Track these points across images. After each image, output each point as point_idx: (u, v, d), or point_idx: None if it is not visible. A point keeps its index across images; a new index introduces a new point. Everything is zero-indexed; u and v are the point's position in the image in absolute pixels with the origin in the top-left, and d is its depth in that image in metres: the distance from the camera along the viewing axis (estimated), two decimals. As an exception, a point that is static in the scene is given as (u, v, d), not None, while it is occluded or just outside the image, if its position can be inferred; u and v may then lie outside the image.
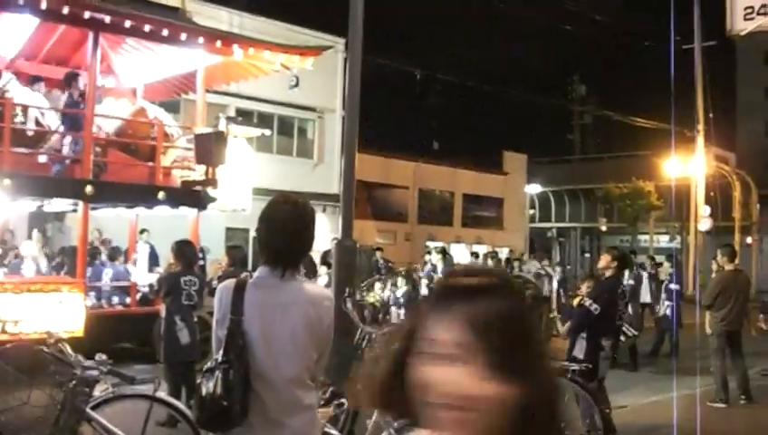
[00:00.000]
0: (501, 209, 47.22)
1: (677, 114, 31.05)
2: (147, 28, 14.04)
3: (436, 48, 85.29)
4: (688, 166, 36.08)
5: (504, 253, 30.62)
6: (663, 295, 17.31)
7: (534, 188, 49.85)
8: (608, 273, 9.24)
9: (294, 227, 3.54)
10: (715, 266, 13.18)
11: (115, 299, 15.27)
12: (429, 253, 22.04)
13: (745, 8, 10.85)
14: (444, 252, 19.64)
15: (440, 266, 18.17)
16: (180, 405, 6.82)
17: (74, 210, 14.88)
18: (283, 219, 3.55)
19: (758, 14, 10.49)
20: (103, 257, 16.47)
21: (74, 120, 14.57)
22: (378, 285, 17.53)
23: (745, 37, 11.28)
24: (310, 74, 17.21)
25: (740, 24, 10.82)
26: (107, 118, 15.57)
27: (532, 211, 54.88)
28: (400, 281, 18.46)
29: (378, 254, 24.95)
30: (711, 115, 36.93)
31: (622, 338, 12.64)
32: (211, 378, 3.36)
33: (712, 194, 38.81)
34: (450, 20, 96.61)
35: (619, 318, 9.14)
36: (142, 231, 18.30)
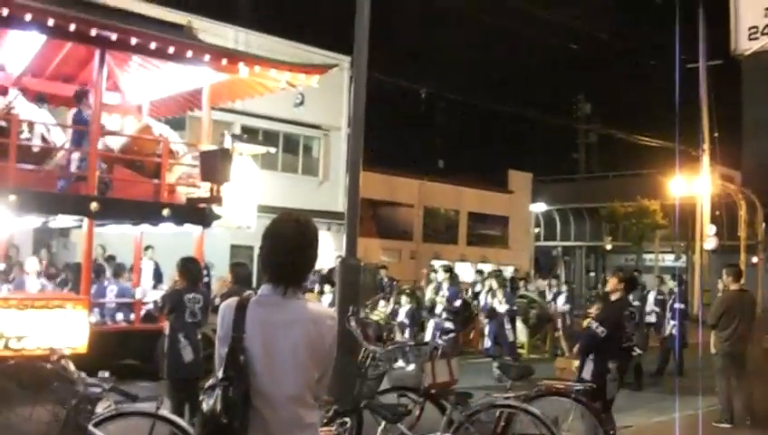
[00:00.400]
0: (506, 228, 47.19)
1: (683, 133, 31.10)
2: (153, 45, 14.06)
3: (441, 67, 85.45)
4: (693, 185, 36.09)
5: (508, 271, 30.54)
6: (668, 315, 17.28)
7: (539, 207, 49.86)
8: (615, 295, 9.22)
9: (296, 244, 3.52)
10: (720, 286, 13.14)
11: (119, 316, 15.25)
12: (435, 271, 21.97)
13: (750, 28, 10.85)
14: (450, 270, 19.54)
15: (446, 285, 18.07)
16: (183, 423, 6.79)
17: (79, 226, 14.89)
18: (285, 237, 3.53)
19: (762, 33, 10.49)
20: (108, 274, 16.48)
21: (82, 136, 14.59)
22: (381, 304, 17.48)
23: (750, 57, 11.28)
24: (315, 92, 17.25)
25: (744, 44, 10.83)
26: (112, 135, 15.61)
27: (537, 230, 54.88)
28: (404, 299, 18.41)
29: (382, 272, 24.92)
30: (716, 134, 36.98)
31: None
32: (212, 395, 3.35)
33: (717, 213, 38.85)
34: (455, 39, 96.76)
35: (628, 339, 9.10)
36: (147, 248, 18.33)
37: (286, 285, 3.48)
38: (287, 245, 3.51)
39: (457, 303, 18.19)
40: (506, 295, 17.49)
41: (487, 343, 17.29)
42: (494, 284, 17.81)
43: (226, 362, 3.37)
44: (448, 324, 17.44)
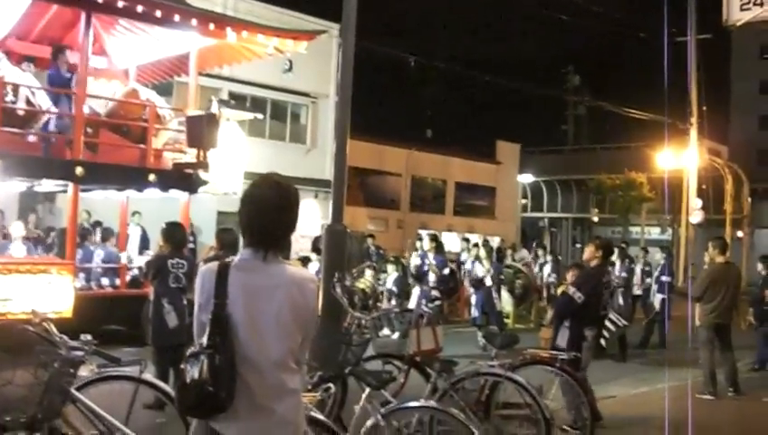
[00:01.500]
0: (493, 198, 47.23)
1: (671, 106, 31.06)
2: (139, 9, 13.95)
3: (430, 36, 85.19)
4: (681, 158, 36.11)
5: (495, 242, 30.59)
6: (654, 287, 17.34)
7: (527, 178, 49.91)
8: (593, 263, 9.23)
9: (275, 207, 3.47)
10: (706, 259, 13.18)
11: (105, 281, 15.22)
12: (420, 240, 21.97)
13: (742, -2, 10.88)
14: (436, 239, 19.52)
15: (431, 255, 18.07)
16: (167, 388, 6.76)
17: (64, 191, 14.81)
18: (264, 200, 3.48)
19: (755, 4, 10.45)
20: (96, 238, 16.41)
21: (59, 95, 14.48)
22: (368, 272, 17.45)
23: (742, 28, 11.22)
24: (304, 59, 17.18)
25: (736, 15, 10.77)
26: (98, 98, 15.50)
27: (524, 201, 54.93)
28: (391, 268, 18.40)
29: (369, 240, 24.91)
30: (704, 108, 36.96)
31: (612, 328, 12.64)
32: (196, 363, 3.29)
33: (704, 187, 38.87)
34: (445, 8, 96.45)
35: (603, 308, 9.11)
36: (134, 213, 18.26)
37: (266, 249, 3.44)
38: (266, 208, 3.47)
39: (446, 271, 18.21)
40: (494, 265, 17.51)
41: (474, 312, 17.31)
42: (482, 253, 17.82)
43: (210, 330, 3.32)
44: (435, 293, 17.47)
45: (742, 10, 10.87)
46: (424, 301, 16.56)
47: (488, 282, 16.93)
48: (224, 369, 3.26)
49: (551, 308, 19.67)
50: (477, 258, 17.92)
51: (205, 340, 3.32)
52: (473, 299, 17.65)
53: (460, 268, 21.76)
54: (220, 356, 3.27)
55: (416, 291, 17.38)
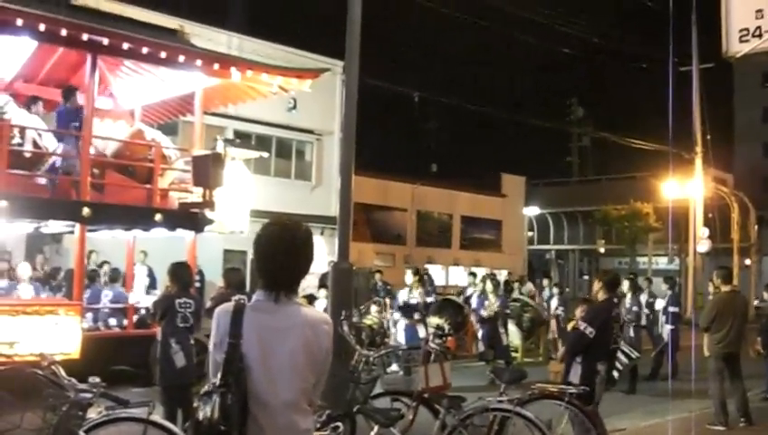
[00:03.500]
0: (499, 232, 47.23)
1: (676, 136, 31.08)
2: (145, 50, 14.06)
3: (434, 71, 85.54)
4: (686, 187, 36.13)
5: (502, 275, 30.53)
6: (662, 319, 17.28)
7: (533, 211, 49.93)
8: (600, 296, 9.22)
9: (286, 249, 3.51)
10: (711, 288, 13.15)
11: (112, 321, 15.21)
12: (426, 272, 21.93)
13: (740, 30, 10.88)
14: (418, 273, 19.19)
15: (416, 291, 17.73)
16: (175, 429, 6.76)
17: (71, 232, 14.85)
18: (275, 242, 3.52)
19: (753, 36, 10.51)
20: (102, 279, 16.43)
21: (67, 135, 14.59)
22: (374, 308, 17.40)
23: (742, 59, 11.29)
24: (308, 97, 17.23)
25: (735, 47, 10.83)
26: (105, 139, 15.58)
27: (530, 233, 54.92)
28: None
29: (377, 276, 24.86)
30: (709, 137, 37.00)
31: (625, 360, 12.59)
32: (209, 402, 3.31)
33: (710, 215, 38.86)
34: (449, 43, 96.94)
35: (614, 341, 9.10)
36: (141, 253, 18.30)
37: (278, 291, 3.47)
38: (276, 250, 3.50)
39: (429, 299, 18.04)
40: (500, 298, 17.44)
41: (481, 346, 17.23)
42: (489, 286, 17.77)
43: (224, 369, 3.33)
44: (421, 327, 17.11)
45: (741, 42, 10.93)
46: (431, 336, 16.41)
47: (485, 313, 16.86)
48: (235, 408, 3.28)
49: (560, 342, 19.63)
50: (484, 292, 17.84)
51: (218, 379, 3.33)
52: (479, 333, 17.58)
53: (468, 302, 21.69)
54: (232, 396, 3.29)
55: (400, 325, 17.22)
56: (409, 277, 18.04)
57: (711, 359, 11.89)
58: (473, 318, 19.24)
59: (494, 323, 16.89)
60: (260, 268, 3.54)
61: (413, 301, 17.29)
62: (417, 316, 17.00)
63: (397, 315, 17.82)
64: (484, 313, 17.11)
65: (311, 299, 16.73)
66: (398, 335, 17.05)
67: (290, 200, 27.82)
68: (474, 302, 20.64)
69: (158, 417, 6.72)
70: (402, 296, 18.05)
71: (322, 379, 3.57)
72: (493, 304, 17.09)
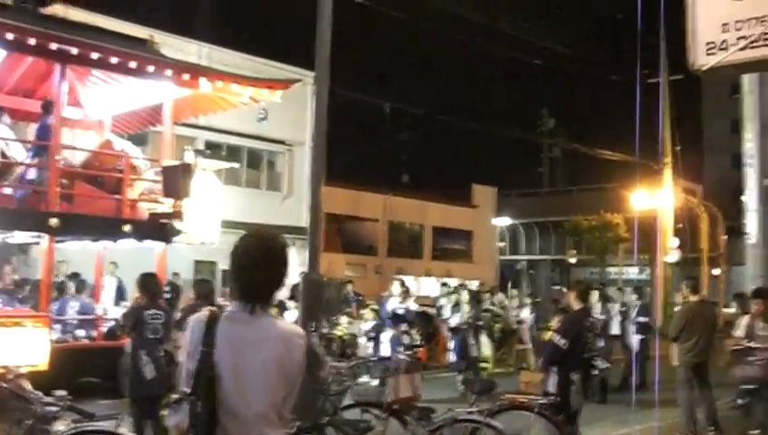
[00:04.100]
0: (470, 242, 47.33)
1: (646, 147, 31.32)
2: (114, 60, 13.99)
3: (407, 82, 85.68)
4: (656, 198, 36.37)
5: (473, 286, 30.57)
6: (631, 328, 17.36)
7: (504, 221, 50.06)
8: (574, 306, 9.26)
9: (261, 262, 3.51)
10: (679, 298, 13.25)
11: (81, 333, 15.10)
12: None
13: (707, 43, 10.96)
14: (404, 284, 19.27)
15: (398, 300, 17.80)
16: (143, 441, 6.71)
17: (37, 243, 14.74)
18: (250, 255, 3.53)
19: (719, 49, 10.59)
20: (70, 291, 16.30)
21: (44, 147, 14.47)
22: (344, 319, 17.39)
23: (708, 72, 11.39)
24: (279, 107, 17.23)
25: (702, 60, 10.90)
26: (74, 150, 15.48)
27: (501, 244, 55.05)
28: (368, 314, 18.36)
29: (348, 287, 24.86)
30: (678, 148, 37.30)
31: (595, 371, 12.64)
32: (178, 410, 3.32)
33: (680, 226, 39.12)
34: (421, 54, 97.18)
35: (588, 350, 9.13)
36: (110, 264, 18.17)
37: (254, 303, 3.47)
38: (253, 262, 3.51)
39: (413, 308, 18.10)
40: (473, 309, 17.46)
41: (452, 356, 17.24)
42: (464, 297, 17.81)
43: (195, 377, 3.34)
44: (407, 338, 17.23)
45: (707, 55, 10.99)
46: (401, 347, 16.42)
47: (454, 322, 16.91)
48: (204, 417, 3.27)
49: (534, 352, 19.68)
50: (457, 304, 17.89)
51: (189, 388, 3.33)
52: (451, 344, 17.60)
53: (439, 313, 21.73)
54: (202, 405, 3.28)
55: (386, 336, 17.23)
56: (397, 288, 18.07)
57: (680, 368, 11.95)
58: (445, 329, 19.30)
59: (465, 333, 16.90)
60: (236, 280, 3.54)
61: (400, 311, 17.32)
62: (404, 327, 17.05)
63: (367, 326, 17.80)
64: (452, 322, 17.11)
65: (280, 307, 16.71)
66: (383, 347, 17.06)
67: (261, 211, 27.74)
68: (446, 312, 20.73)
69: (125, 430, 6.67)
70: (391, 305, 18.01)
71: (293, 392, 3.55)
72: (466, 313, 17.11)
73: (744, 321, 11.31)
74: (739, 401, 10.27)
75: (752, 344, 10.26)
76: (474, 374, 15.71)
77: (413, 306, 18.28)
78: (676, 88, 37.56)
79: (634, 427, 12.26)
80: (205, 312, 3.51)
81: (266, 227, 26.34)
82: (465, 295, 17.98)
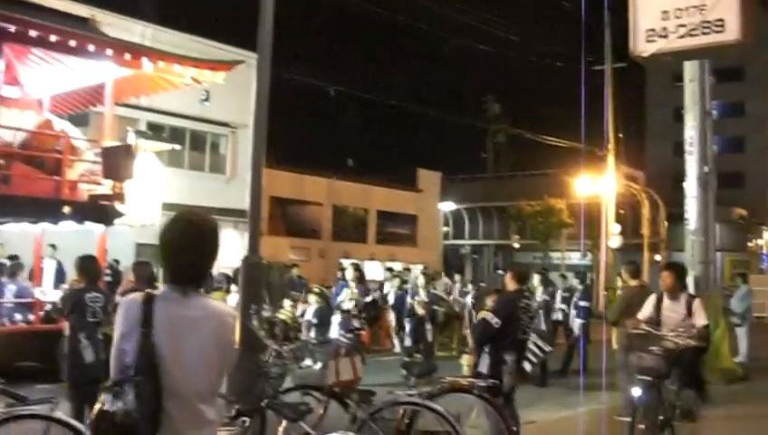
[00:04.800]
0: (415, 226, 47.43)
1: (589, 133, 31.63)
2: (53, 38, 13.75)
3: (351, 66, 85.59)
4: (599, 184, 36.78)
5: (417, 270, 30.65)
6: (573, 312, 17.52)
7: (448, 206, 50.27)
8: (510, 287, 9.31)
9: (191, 245, 3.48)
10: (619, 283, 13.38)
11: (18, 316, 14.87)
12: (343, 269, 21.90)
13: (647, 30, 11.11)
14: (358, 269, 19.13)
15: (354, 284, 17.67)
16: (80, 426, 6.61)
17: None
18: (179, 238, 3.49)
19: (660, 36, 10.72)
20: (6, 274, 16.05)
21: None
22: (287, 302, 17.28)
23: (649, 59, 11.53)
24: (223, 89, 17.09)
25: (642, 46, 11.04)
26: (11, 130, 15.21)
27: (446, 228, 55.28)
28: (312, 298, 18.26)
29: (294, 270, 24.81)
30: (621, 135, 37.77)
31: (539, 353, 12.71)
32: (120, 393, 3.27)
33: (622, 212, 39.60)
34: (366, 36, 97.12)
35: (524, 332, 9.17)
36: (50, 246, 17.92)
37: (185, 285, 3.44)
38: (181, 245, 3.47)
39: (368, 299, 18.07)
40: (429, 295, 17.48)
41: (407, 341, 17.31)
42: (421, 281, 17.84)
43: (137, 359, 3.29)
44: (356, 322, 17.26)
45: (647, 42, 11.14)
46: (342, 331, 16.38)
47: (420, 310, 16.94)
48: (150, 398, 3.24)
49: (471, 335, 19.79)
50: (415, 287, 17.94)
51: (131, 370, 3.29)
52: (407, 328, 17.64)
53: (385, 298, 21.77)
54: (147, 386, 3.25)
55: (335, 319, 17.18)
56: (350, 273, 17.90)
57: (619, 352, 12.09)
58: (390, 313, 19.32)
59: (421, 318, 16.95)
60: (166, 263, 3.50)
61: (346, 306, 17.13)
62: (354, 311, 17.02)
63: (310, 311, 17.71)
64: (419, 309, 17.10)
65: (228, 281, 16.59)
66: (332, 329, 17.00)
67: (204, 193, 27.54)
68: (391, 297, 20.74)
69: (61, 414, 6.57)
70: (342, 297, 17.76)
71: (228, 370, 3.58)
72: (422, 299, 17.13)
73: (652, 298, 10.37)
74: (632, 395, 9.28)
75: (651, 330, 9.58)
76: (425, 359, 15.76)
77: (367, 298, 18.14)
78: (620, 76, 38.00)
79: (574, 409, 12.40)
80: (139, 293, 3.47)
81: (209, 209, 26.22)
82: (421, 279, 18.00)
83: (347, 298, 17.23)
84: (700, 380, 16.21)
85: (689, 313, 9.76)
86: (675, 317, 9.76)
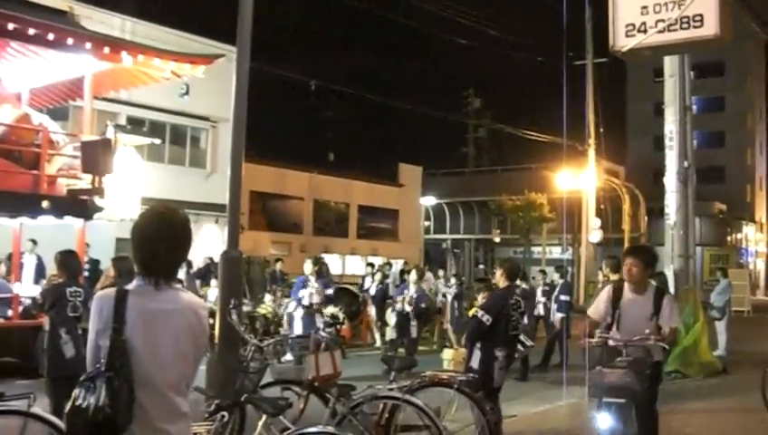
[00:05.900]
0: (396, 221, 47.44)
1: (570, 128, 31.74)
2: (31, 31, 13.62)
3: (332, 60, 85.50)
4: (579, 179, 36.93)
5: (398, 264, 30.68)
6: (554, 307, 17.57)
7: (429, 200, 50.32)
8: (501, 284, 9.33)
9: (163, 237, 3.52)
10: (600, 277, 13.40)
11: (-4, 312, 14.79)
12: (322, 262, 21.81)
13: (627, 25, 11.18)
14: (318, 262, 18.61)
15: (313, 278, 17.33)
16: (58, 422, 6.57)
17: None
18: (149, 232, 3.53)
19: (639, 31, 10.78)
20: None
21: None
22: (267, 297, 17.23)
23: (628, 54, 11.61)
24: (203, 83, 17.00)
25: (622, 41, 11.10)
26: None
27: (427, 223, 55.35)
28: (292, 292, 18.21)
29: (278, 265, 24.76)
30: (602, 130, 37.91)
31: (521, 348, 12.76)
32: (92, 388, 3.25)
33: (602, 206, 39.79)
34: (347, 30, 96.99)
35: (514, 328, 9.18)
36: (29, 241, 17.82)
37: (157, 278, 3.47)
38: (152, 240, 3.51)
39: (329, 292, 17.78)
40: (418, 290, 17.41)
41: (393, 334, 17.29)
42: (413, 276, 17.80)
43: (109, 354, 3.30)
44: (319, 318, 16.87)
45: (627, 36, 11.19)
46: (321, 325, 16.17)
47: (407, 307, 16.90)
48: (122, 393, 3.24)
49: (453, 331, 19.82)
50: (404, 281, 17.90)
51: (103, 364, 3.29)
52: (391, 321, 17.59)
53: (364, 290, 21.79)
54: (119, 380, 3.25)
55: (298, 314, 16.96)
56: (308, 267, 17.67)
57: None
58: (371, 308, 19.27)
59: (407, 314, 16.92)
60: (138, 257, 3.53)
61: (306, 301, 16.88)
62: (315, 305, 16.81)
63: (292, 305, 17.64)
64: (407, 306, 17.04)
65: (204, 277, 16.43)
66: (296, 324, 16.86)
67: (184, 188, 27.47)
68: (372, 291, 20.72)
69: (38, 409, 6.52)
70: (302, 293, 17.49)
71: (199, 362, 3.63)
72: (410, 294, 17.09)
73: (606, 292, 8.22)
74: (597, 425, 7.51)
75: (613, 339, 7.68)
76: (409, 353, 15.72)
77: (328, 289, 17.83)
78: (602, 71, 38.15)
79: (554, 403, 12.46)
80: (112, 289, 3.48)
81: (190, 204, 26.20)
82: (413, 275, 17.95)
83: (307, 293, 16.94)
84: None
85: (657, 310, 7.69)
86: (637, 316, 7.71)
